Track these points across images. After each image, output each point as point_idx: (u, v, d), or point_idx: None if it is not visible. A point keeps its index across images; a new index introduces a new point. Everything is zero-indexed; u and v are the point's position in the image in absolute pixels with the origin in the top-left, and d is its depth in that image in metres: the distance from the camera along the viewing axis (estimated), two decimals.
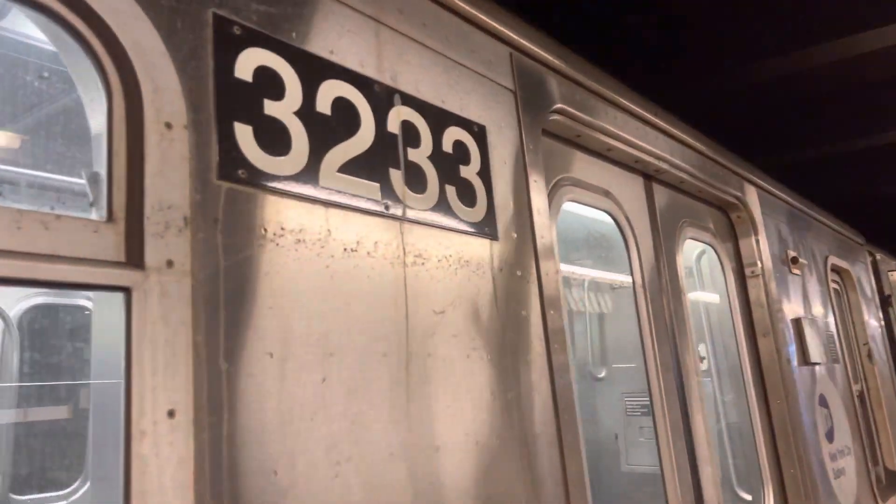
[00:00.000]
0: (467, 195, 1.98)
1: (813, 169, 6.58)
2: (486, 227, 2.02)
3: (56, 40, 1.29)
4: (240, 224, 1.38)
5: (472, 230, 1.97)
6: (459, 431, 1.76)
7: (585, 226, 4.97)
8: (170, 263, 1.24)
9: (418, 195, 1.82)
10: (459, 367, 1.81)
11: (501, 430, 1.89)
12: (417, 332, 1.72)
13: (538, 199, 2.28)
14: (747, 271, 4.00)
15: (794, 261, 4.46)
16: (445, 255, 1.87)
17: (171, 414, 1.19)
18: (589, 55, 2.85)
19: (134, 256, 1.21)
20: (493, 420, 1.87)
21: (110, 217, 1.21)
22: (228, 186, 1.37)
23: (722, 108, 4.90)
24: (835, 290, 5.83)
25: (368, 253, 1.64)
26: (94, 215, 1.22)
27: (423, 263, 1.78)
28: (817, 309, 4.80)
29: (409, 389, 1.66)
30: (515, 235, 2.14)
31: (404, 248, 1.74)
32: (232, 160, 1.39)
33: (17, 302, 4.95)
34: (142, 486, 1.13)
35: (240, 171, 1.40)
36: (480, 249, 1.99)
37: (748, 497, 3.94)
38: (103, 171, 1.24)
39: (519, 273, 2.12)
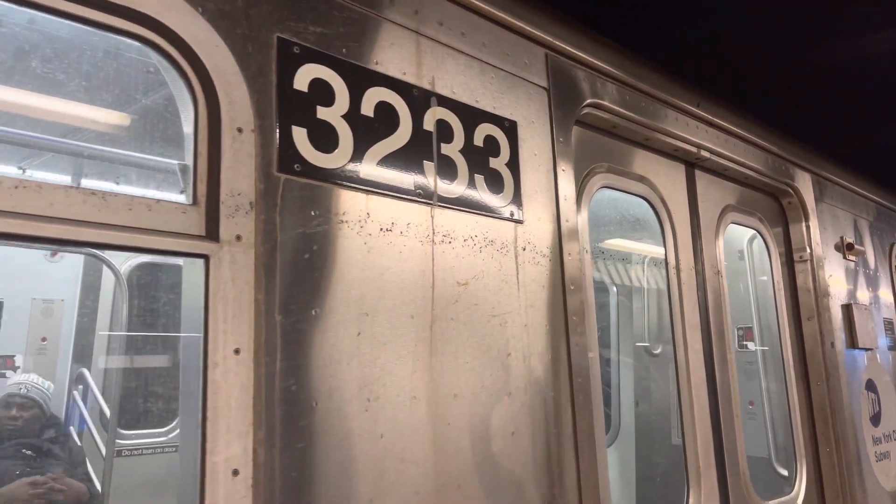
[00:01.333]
0: (495, 183, 2.29)
1: (889, 153, 6.44)
2: (511, 212, 2.32)
3: (158, 62, 1.68)
4: (294, 208, 1.74)
5: (497, 214, 2.27)
6: (476, 384, 2.09)
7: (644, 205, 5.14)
8: (238, 238, 1.62)
9: (449, 184, 2.14)
10: (479, 330, 2.13)
11: (515, 387, 2.20)
12: (442, 299, 2.05)
13: (566, 186, 2.55)
14: (796, 256, 4.11)
15: (850, 247, 4.50)
16: (472, 235, 2.18)
17: (237, 351, 1.57)
18: (631, 45, 3.05)
19: (212, 232, 1.59)
20: (507, 378, 2.19)
21: (195, 201, 1.60)
22: (286, 178, 1.74)
23: (785, 94, 4.93)
24: None
25: (401, 232, 1.98)
26: (183, 199, 1.61)
27: (450, 242, 2.11)
28: (874, 295, 4.82)
29: (433, 346, 2.00)
30: (540, 219, 2.42)
31: (433, 229, 2.07)
32: (289, 157, 1.75)
33: (126, 260, 5.62)
34: (214, 403, 1.52)
35: (295, 166, 1.76)
36: (505, 231, 2.29)
37: (785, 472, 4.10)
38: (191, 165, 1.63)
39: (542, 253, 2.41)
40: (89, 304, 5.74)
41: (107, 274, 5.71)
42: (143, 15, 1.56)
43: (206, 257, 1.56)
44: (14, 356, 5.41)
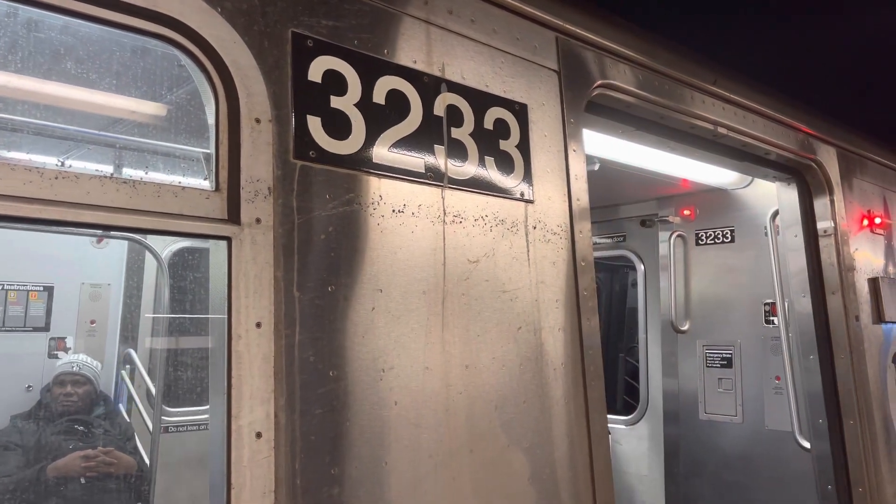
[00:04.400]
0: (505, 165, 2.38)
1: None
2: (522, 192, 2.41)
3: (182, 59, 1.81)
4: (310, 192, 1.87)
5: (508, 194, 2.37)
6: (487, 355, 2.21)
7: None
8: (258, 220, 1.75)
9: (459, 166, 2.24)
10: (489, 305, 2.24)
11: (526, 359, 2.31)
12: (454, 276, 2.16)
13: (576, 166, 2.63)
14: (820, 230, 4.11)
15: (878, 221, 4.48)
16: (482, 215, 2.29)
17: (258, 325, 1.71)
18: (644, 24, 3.09)
19: (233, 215, 1.73)
20: (518, 349, 2.30)
21: (217, 187, 1.74)
22: (302, 164, 1.86)
23: (812, 67, 4.87)
24: None
25: (413, 213, 2.09)
26: (206, 186, 1.75)
27: (460, 222, 2.22)
28: None
29: (444, 320, 2.12)
30: (551, 199, 2.51)
31: (444, 209, 2.18)
32: (305, 144, 1.88)
33: (166, 246, 5.86)
34: (238, 372, 1.66)
35: (311, 153, 1.89)
36: (515, 211, 2.39)
37: (807, 444, 4.14)
38: (213, 154, 1.77)
39: (553, 231, 2.50)
40: (134, 288, 6.02)
41: (149, 259, 5.97)
42: (166, 16, 1.69)
43: (228, 239, 1.70)
44: (65, 338, 5.72)
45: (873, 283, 4.28)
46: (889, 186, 4.87)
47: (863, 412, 3.89)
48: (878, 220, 4.49)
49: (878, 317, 4.25)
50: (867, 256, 4.35)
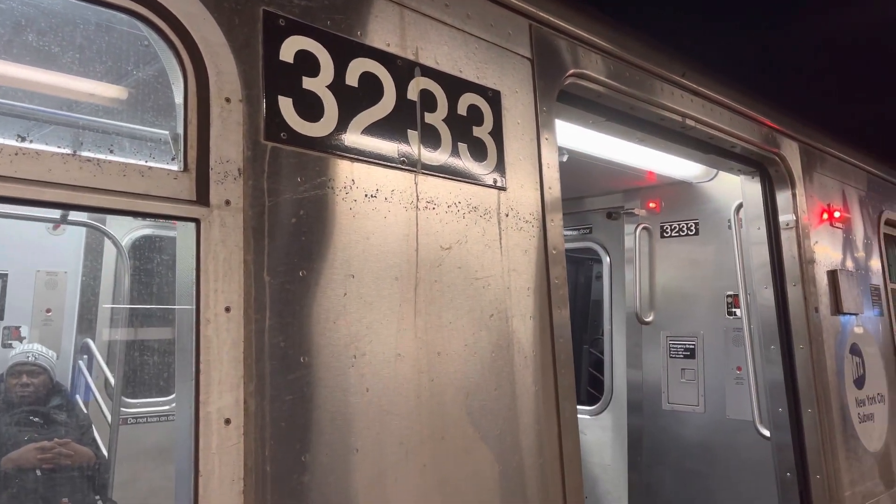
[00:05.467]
0: (479, 151, 2.37)
1: (889, 124, 6.48)
2: (494, 179, 2.40)
3: (148, 35, 1.75)
4: (281, 174, 1.83)
5: (481, 181, 2.36)
6: (459, 342, 2.19)
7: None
8: (227, 202, 1.71)
9: (432, 152, 2.22)
10: (462, 292, 2.23)
11: (498, 346, 2.31)
12: (426, 263, 2.14)
13: (549, 154, 2.63)
14: (782, 223, 4.19)
15: (837, 215, 4.58)
16: (455, 201, 2.27)
17: (227, 309, 1.67)
18: (617, 14, 3.10)
19: (202, 196, 1.68)
20: (490, 336, 2.29)
21: (185, 168, 1.68)
22: (273, 146, 1.82)
23: (778, 64, 4.96)
24: (894, 244, 5.86)
25: (386, 198, 2.07)
26: (174, 166, 1.70)
27: (433, 208, 2.19)
28: (861, 262, 4.90)
29: (417, 307, 2.10)
30: (523, 186, 2.51)
31: (417, 195, 2.16)
32: (276, 125, 1.83)
33: (126, 234, 5.72)
34: (207, 357, 1.62)
35: (282, 134, 1.84)
36: (488, 198, 2.38)
37: (767, 433, 4.23)
38: (181, 134, 1.72)
39: (525, 219, 2.49)
40: (92, 276, 5.86)
41: (109, 246, 5.82)
42: None
43: (196, 221, 1.65)
44: (20, 327, 5.55)
45: (832, 275, 4.38)
46: (848, 181, 4.99)
47: (821, 401, 3.98)
48: (837, 214, 4.59)
49: (837, 308, 4.36)
50: (826, 249, 4.45)
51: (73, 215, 5.22)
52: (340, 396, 1.86)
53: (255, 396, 1.69)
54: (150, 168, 1.62)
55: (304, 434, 1.78)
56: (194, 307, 1.63)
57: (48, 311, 5.68)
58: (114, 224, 5.76)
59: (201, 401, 1.60)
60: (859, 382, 4.49)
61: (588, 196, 5.97)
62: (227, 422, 1.63)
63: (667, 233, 5.42)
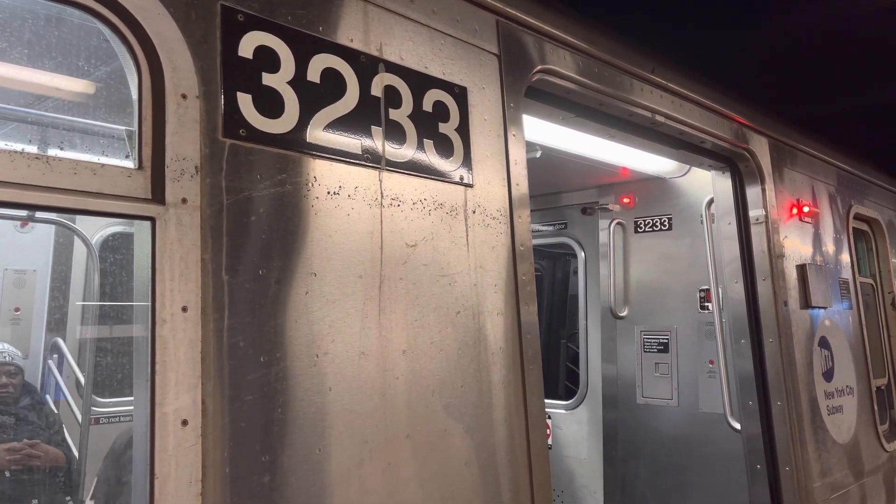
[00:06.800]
0: (445, 148, 2.35)
1: (857, 119, 6.57)
2: (461, 176, 2.39)
3: (102, 30, 1.72)
4: (240, 172, 1.80)
5: (447, 178, 2.34)
6: (425, 340, 2.18)
7: None
8: (184, 200, 1.68)
9: (397, 148, 2.20)
10: (428, 289, 2.22)
11: (464, 343, 2.30)
12: (391, 260, 2.13)
13: (516, 151, 2.62)
14: (752, 218, 4.22)
15: (806, 210, 4.63)
16: (421, 198, 2.26)
17: (184, 309, 1.64)
18: (585, 10, 3.10)
19: (158, 194, 1.65)
20: (456, 333, 2.28)
21: (140, 165, 1.65)
22: (231, 143, 1.79)
23: (748, 60, 5.01)
24: (863, 238, 5.94)
25: (349, 196, 2.05)
26: (129, 164, 1.67)
27: (398, 205, 2.18)
28: (830, 256, 4.97)
29: (381, 305, 2.08)
30: (490, 183, 2.50)
31: (382, 192, 2.14)
32: (234, 122, 1.81)
33: (97, 231, 5.64)
34: (163, 357, 1.60)
35: (241, 131, 1.82)
36: (455, 194, 2.37)
37: (737, 426, 4.27)
38: (136, 131, 1.68)
39: (492, 216, 2.49)
40: (62, 275, 5.77)
41: (79, 244, 5.73)
42: None
43: (152, 219, 1.63)
44: None
45: (801, 269, 4.43)
46: (817, 176, 5.04)
47: (790, 394, 4.03)
48: (806, 209, 4.64)
49: (806, 302, 4.41)
50: (796, 244, 4.49)
51: (42, 213, 5.13)
52: (302, 396, 1.85)
53: (214, 397, 1.67)
54: (102, 166, 1.59)
55: (265, 435, 1.76)
56: (150, 307, 1.61)
57: (17, 309, 5.58)
58: (85, 222, 5.67)
59: (157, 402, 1.57)
60: (828, 375, 4.55)
61: (563, 192, 5.98)
62: (185, 423, 1.61)
63: (641, 228, 5.45)
